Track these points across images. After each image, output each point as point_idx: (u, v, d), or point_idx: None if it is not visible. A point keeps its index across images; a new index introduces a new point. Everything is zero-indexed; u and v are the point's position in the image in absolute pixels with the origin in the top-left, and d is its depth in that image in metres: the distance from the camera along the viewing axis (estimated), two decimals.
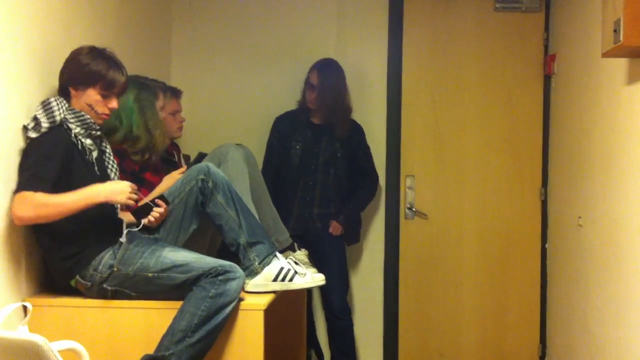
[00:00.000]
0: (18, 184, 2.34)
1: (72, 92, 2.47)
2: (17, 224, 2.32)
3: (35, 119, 2.40)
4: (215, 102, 4.08)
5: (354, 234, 3.87)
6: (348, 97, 3.78)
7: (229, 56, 4.06)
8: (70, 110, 2.46)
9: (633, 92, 2.53)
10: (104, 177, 2.56)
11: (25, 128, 2.41)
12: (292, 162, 3.74)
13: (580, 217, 3.17)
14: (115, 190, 2.40)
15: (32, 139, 2.39)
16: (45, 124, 2.39)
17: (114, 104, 2.52)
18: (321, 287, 3.32)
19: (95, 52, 2.49)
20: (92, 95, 2.47)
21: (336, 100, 3.69)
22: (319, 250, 3.53)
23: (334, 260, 3.68)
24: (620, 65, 2.61)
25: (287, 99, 3.88)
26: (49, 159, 2.35)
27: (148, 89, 2.95)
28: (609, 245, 2.73)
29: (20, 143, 2.41)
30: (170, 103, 3.28)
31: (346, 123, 3.75)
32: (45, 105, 2.42)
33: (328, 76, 3.69)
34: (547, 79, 3.92)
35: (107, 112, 2.52)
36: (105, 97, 2.49)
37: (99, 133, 2.56)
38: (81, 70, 2.45)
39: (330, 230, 3.71)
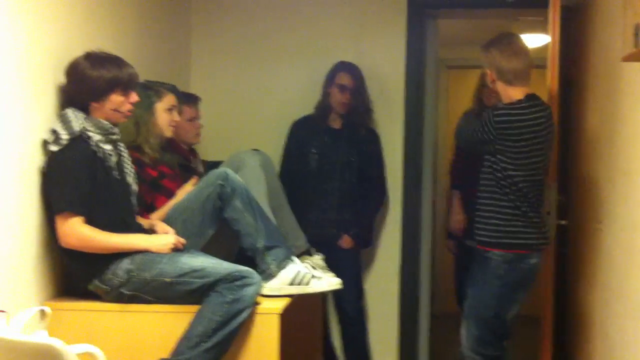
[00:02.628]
0: (56, 205, 2.39)
1: (95, 105, 2.49)
2: (63, 246, 2.42)
3: (54, 132, 2.43)
4: (234, 107, 4.09)
5: (367, 240, 3.84)
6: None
7: (247, 62, 4.07)
8: (87, 118, 2.48)
9: None
10: (123, 181, 2.58)
11: (45, 142, 2.44)
12: (309, 167, 3.72)
13: (600, 222, 3.13)
14: (162, 243, 2.51)
15: (54, 153, 2.41)
16: (65, 136, 2.41)
17: (134, 97, 2.56)
18: (335, 293, 3.31)
19: (96, 59, 2.49)
20: (115, 100, 2.50)
21: (367, 102, 3.74)
22: (333, 256, 3.47)
23: (348, 266, 3.64)
24: None
25: (305, 103, 3.87)
26: (79, 178, 2.39)
27: (148, 89, 2.90)
28: (629, 250, 2.70)
29: (40, 157, 2.44)
30: (187, 109, 3.29)
31: (367, 122, 3.78)
32: (63, 117, 2.45)
33: (359, 78, 3.71)
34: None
35: (130, 107, 2.56)
36: (126, 94, 2.52)
37: (117, 136, 2.58)
38: (97, 83, 2.46)
39: (340, 242, 3.69)
